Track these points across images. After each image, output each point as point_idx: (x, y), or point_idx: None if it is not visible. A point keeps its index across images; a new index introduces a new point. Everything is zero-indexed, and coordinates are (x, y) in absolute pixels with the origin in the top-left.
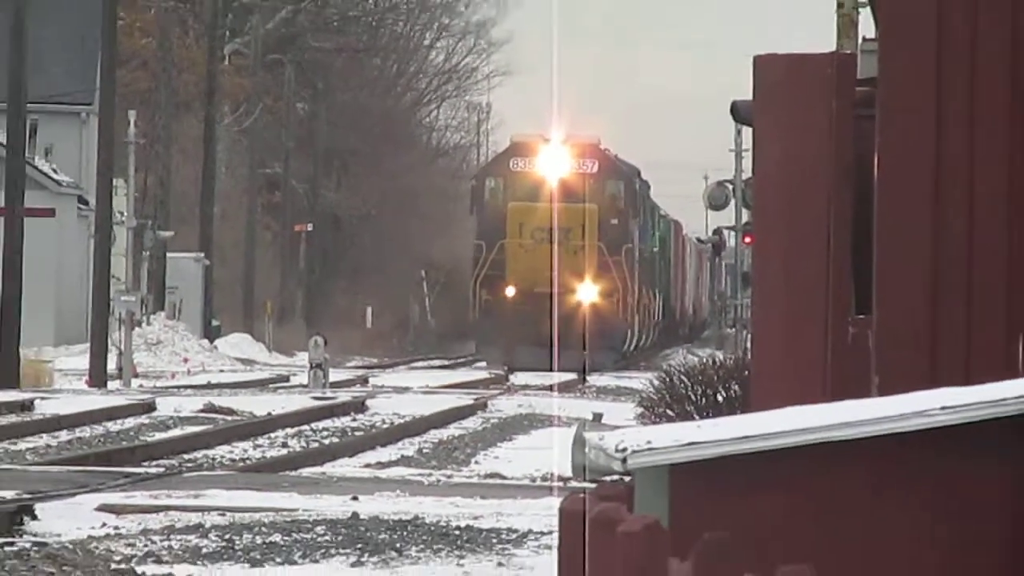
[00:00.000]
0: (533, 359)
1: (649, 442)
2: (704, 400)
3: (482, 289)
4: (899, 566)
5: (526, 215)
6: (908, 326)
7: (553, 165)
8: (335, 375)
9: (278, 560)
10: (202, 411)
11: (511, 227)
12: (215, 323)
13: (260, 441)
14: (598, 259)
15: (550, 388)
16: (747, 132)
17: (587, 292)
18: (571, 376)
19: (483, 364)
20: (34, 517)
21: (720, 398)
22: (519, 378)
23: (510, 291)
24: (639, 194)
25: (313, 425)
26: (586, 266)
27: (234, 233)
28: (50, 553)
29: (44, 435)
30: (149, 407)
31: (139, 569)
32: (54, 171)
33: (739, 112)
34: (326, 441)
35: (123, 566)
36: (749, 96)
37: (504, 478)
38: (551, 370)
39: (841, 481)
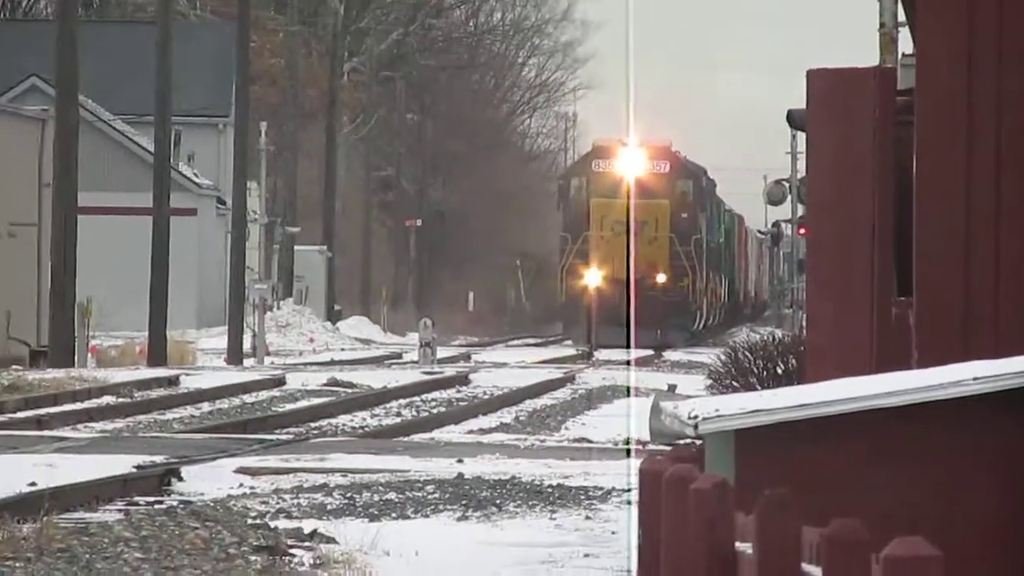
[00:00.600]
0: (614, 338)
1: (717, 410)
2: (765, 373)
3: (568, 276)
4: (941, 515)
5: (607, 210)
6: (944, 307)
7: (630, 165)
8: (442, 352)
9: (393, 515)
10: (326, 385)
11: (593, 221)
12: (337, 307)
13: (377, 411)
14: (670, 249)
15: (629, 363)
16: (801, 137)
17: (660, 278)
18: (648, 352)
19: (570, 342)
20: (180, 478)
21: (779, 371)
22: (602, 354)
23: (593, 277)
24: (706, 191)
25: (423, 396)
26: (659, 255)
27: (353, 228)
28: (194, 510)
29: (188, 407)
30: (280, 381)
31: (272, 523)
32: (195, 175)
33: (794, 119)
34: (434, 410)
35: (258, 521)
36: (803, 105)
37: (590, 442)
38: (629, 348)
39: (886, 442)
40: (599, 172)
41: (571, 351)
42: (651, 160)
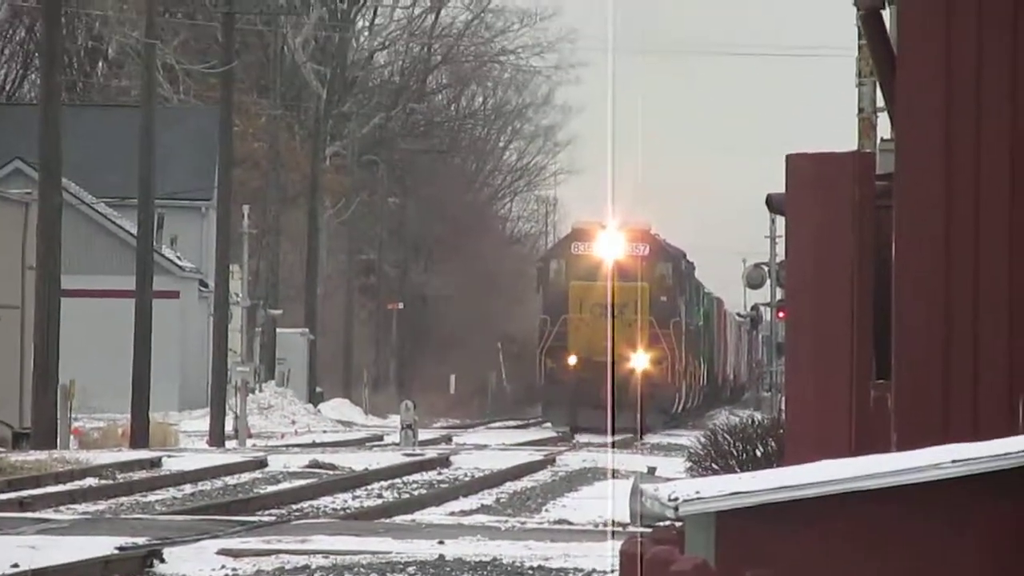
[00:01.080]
0: (593, 420)
1: (698, 492)
2: (745, 455)
3: (547, 358)
4: None
5: (586, 292)
6: (923, 390)
7: (609, 249)
8: (423, 435)
9: None
10: (308, 467)
11: (572, 303)
12: (319, 390)
13: (358, 493)
14: (649, 331)
15: (609, 445)
16: (780, 221)
17: (640, 360)
18: (628, 435)
19: (550, 425)
20: (162, 560)
21: (759, 453)
22: (582, 437)
23: (571, 360)
24: (685, 274)
25: (404, 478)
26: (639, 338)
27: (335, 311)
28: None
29: (171, 488)
30: (262, 463)
31: None
32: (178, 258)
33: (773, 203)
34: (416, 492)
35: None
36: (782, 189)
37: (571, 524)
38: (608, 431)
39: (866, 524)
40: (578, 255)
41: (552, 433)
42: (630, 243)
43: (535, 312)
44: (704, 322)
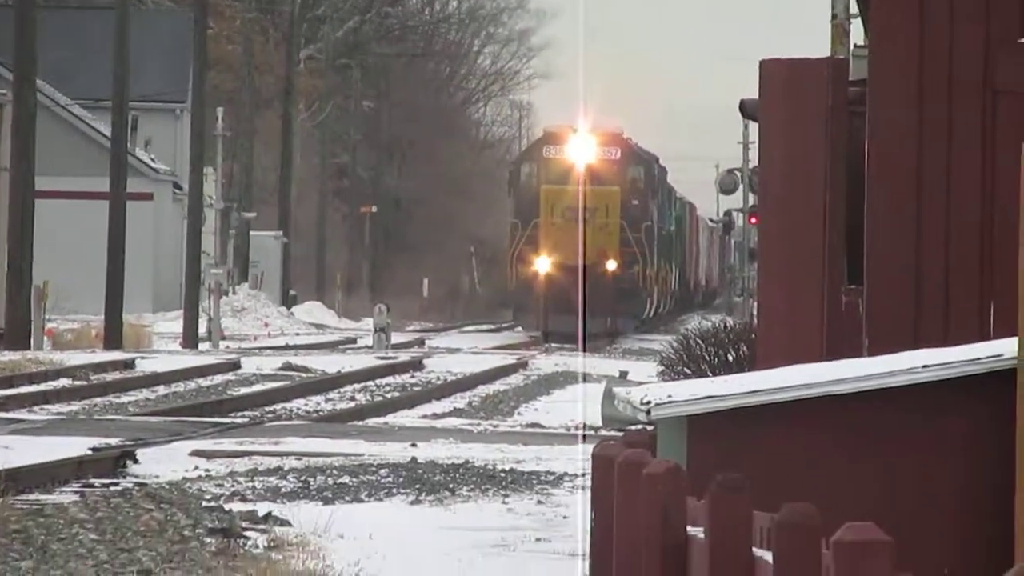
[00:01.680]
0: (564, 325)
1: (670, 396)
2: (717, 360)
3: (518, 263)
4: (892, 500)
5: (557, 196)
6: (894, 295)
7: (581, 152)
8: (396, 338)
9: (347, 498)
10: (281, 369)
11: (544, 207)
12: (292, 293)
13: (331, 395)
14: (620, 235)
15: (581, 349)
16: (753, 127)
17: (610, 265)
18: (605, 338)
19: (521, 329)
20: (135, 461)
21: (731, 358)
22: (554, 341)
23: (542, 264)
24: (657, 178)
25: (377, 381)
26: (610, 242)
27: (308, 214)
28: (149, 492)
29: (144, 390)
30: (235, 365)
31: (227, 506)
32: (152, 160)
33: (746, 109)
34: (388, 395)
35: (213, 503)
36: (755, 95)
37: (543, 427)
38: (580, 336)
39: (837, 429)
40: (550, 158)
41: (525, 337)
42: (602, 147)
43: (508, 216)
44: (676, 227)
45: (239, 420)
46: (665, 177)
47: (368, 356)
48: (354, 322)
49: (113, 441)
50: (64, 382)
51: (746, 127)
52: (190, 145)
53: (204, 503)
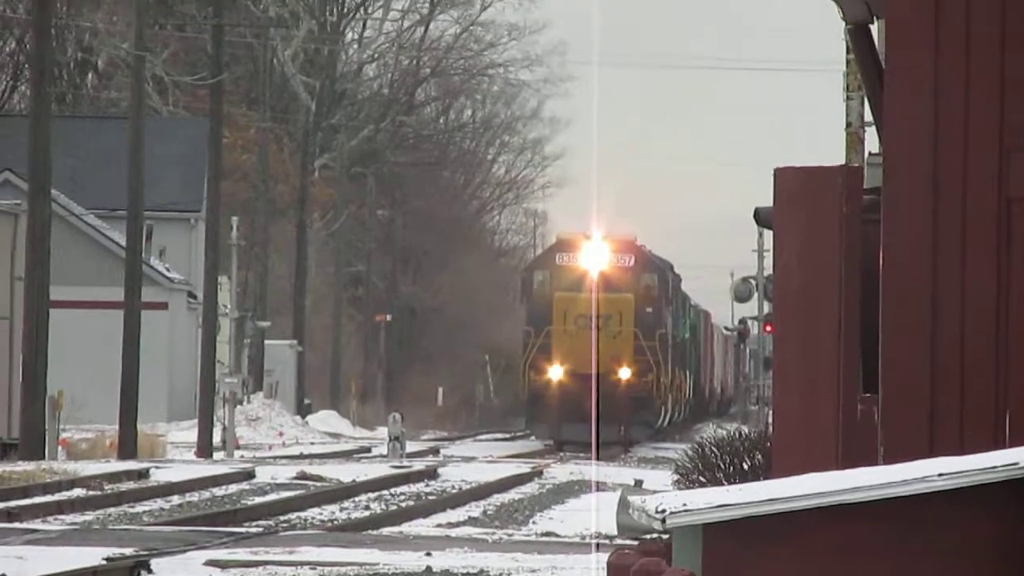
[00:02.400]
0: (577, 434)
1: (685, 504)
2: (732, 468)
3: (531, 370)
4: None
5: (570, 303)
6: (910, 404)
7: (594, 259)
8: (411, 447)
9: None
10: (295, 478)
11: (556, 314)
12: (307, 401)
13: (346, 504)
14: (634, 343)
15: (594, 457)
16: (767, 235)
17: (624, 373)
18: (615, 447)
19: (534, 438)
20: (150, 571)
21: (746, 466)
22: (569, 450)
23: (556, 372)
24: (671, 285)
25: (392, 490)
26: (624, 350)
27: (323, 323)
28: None
29: (159, 499)
30: (249, 475)
31: None
32: (167, 270)
33: (761, 217)
34: (403, 504)
35: None
36: (770, 203)
37: (558, 536)
38: (593, 444)
39: (852, 538)
40: (562, 265)
41: (539, 445)
42: (615, 253)
43: (520, 324)
44: (691, 334)
45: (253, 529)
46: (679, 284)
47: (383, 465)
48: (369, 431)
49: (127, 551)
50: (78, 492)
51: (760, 235)
52: (205, 254)
53: None
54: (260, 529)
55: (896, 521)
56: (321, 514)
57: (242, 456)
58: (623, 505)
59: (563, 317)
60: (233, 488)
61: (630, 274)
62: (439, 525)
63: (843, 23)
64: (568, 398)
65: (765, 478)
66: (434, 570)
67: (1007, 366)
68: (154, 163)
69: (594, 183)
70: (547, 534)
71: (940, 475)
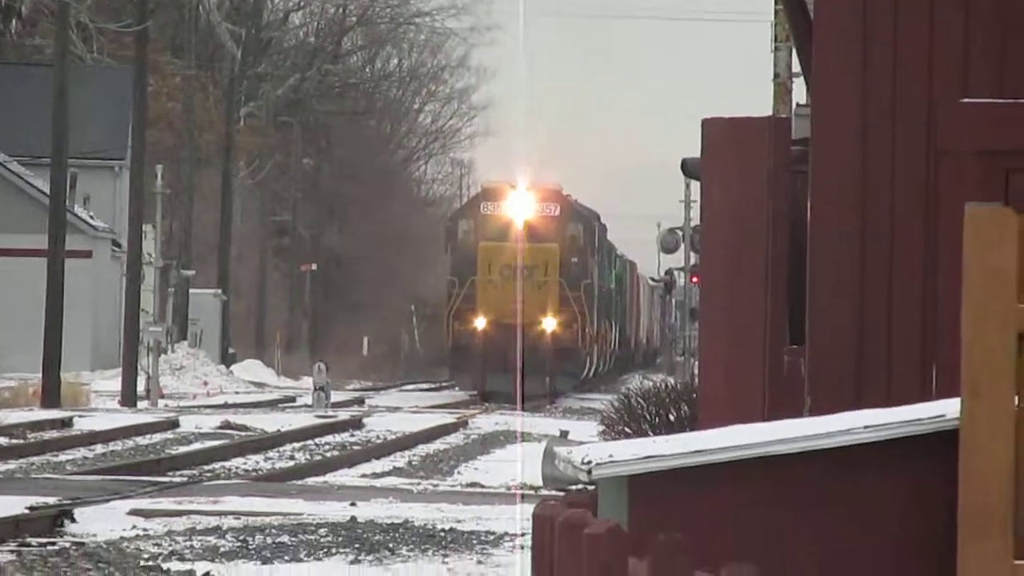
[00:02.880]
0: (502, 385)
1: (611, 455)
2: (658, 419)
3: (455, 321)
4: (832, 562)
5: (495, 253)
6: (836, 356)
7: (519, 208)
8: (336, 397)
9: (286, 558)
10: (219, 428)
11: (481, 264)
12: (231, 351)
13: (270, 454)
14: (560, 294)
15: (519, 409)
16: (695, 186)
17: (549, 323)
18: (538, 400)
19: (458, 388)
20: (73, 520)
21: (672, 418)
22: (494, 400)
23: (480, 322)
24: (597, 235)
25: (316, 440)
26: (548, 300)
27: (248, 272)
28: (87, 552)
29: (82, 448)
30: (173, 424)
31: (165, 566)
32: (91, 218)
33: (688, 168)
34: (328, 454)
35: (151, 563)
36: (697, 154)
37: (483, 487)
38: (517, 395)
39: (778, 489)
40: (487, 215)
41: (465, 396)
42: (541, 203)
43: (445, 274)
44: (616, 285)
45: (178, 479)
46: (605, 235)
47: (307, 415)
48: (294, 381)
49: (50, 500)
50: (1, 440)
51: (688, 186)
52: (129, 203)
53: (142, 562)
54: (184, 479)
55: (821, 473)
56: (245, 464)
57: (166, 405)
58: (548, 456)
59: (487, 267)
60: (157, 437)
61: (555, 224)
62: (364, 475)
63: None
64: (492, 349)
65: (691, 429)
66: (359, 520)
67: (934, 320)
68: (78, 111)
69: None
70: (472, 485)
71: (865, 427)
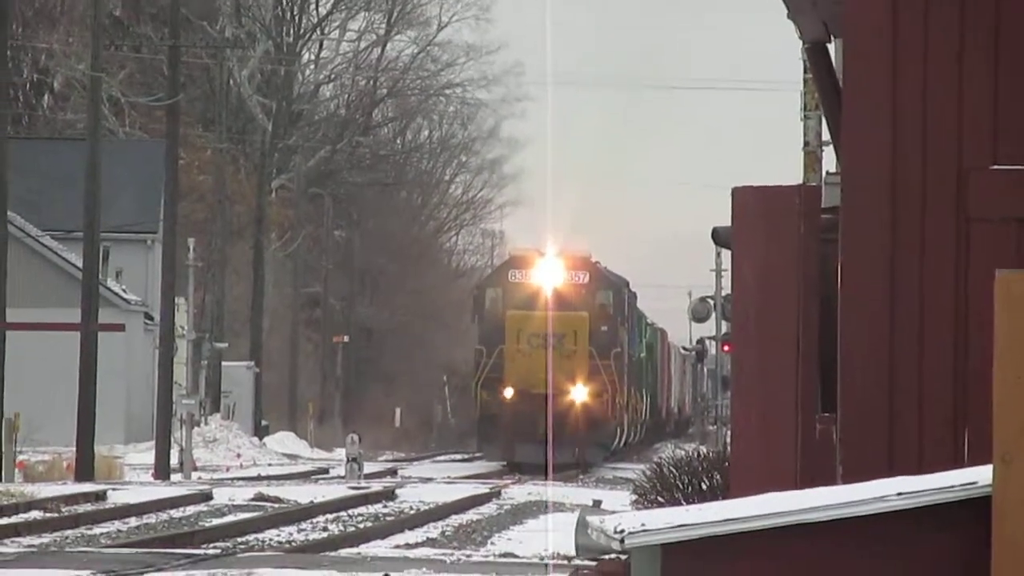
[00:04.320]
0: (530, 455)
1: (643, 524)
2: (690, 488)
3: (483, 391)
4: None
5: (523, 322)
6: (868, 423)
7: (548, 276)
8: (368, 468)
9: None
10: (253, 500)
11: (509, 333)
12: (264, 423)
13: (304, 525)
14: (589, 363)
15: (548, 480)
16: (725, 254)
17: (579, 393)
18: (571, 468)
19: (486, 459)
20: None
21: (704, 486)
22: (527, 470)
23: (508, 392)
24: (627, 303)
25: (350, 511)
26: (578, 369)
27: (280, 344)
28: None
29: (116, 521)
30: (207, 496)
31: None
32: (124, 291)
33: (719, 236)
34: (361, 525)
35: None
36: (728, 223)
37: (516, 556)
38: (546, 466)
39: (810, 557)
40: (515, 283)
41: (497, 466)
42: (569, 270)
43: (472, 343)
44: (647, 353)
45: (211, 551)
46: (635, 302)
47: (340, 486)
48: (326, 452)
49: (85, 573)
50: (35, 514)
51: (718, 255)
52: (161, 275)
53: None
54: (218, 551)
55: (855, 541)
56: (279, 536)
57: (199, 478)
58: (582, 525)
59: (516, 336)
60: (191, 510)
61: (584, 291)
62: (397, 546)
63: (801, 42)
64: (521, 419)
65: (724, 498)
66: None
67: (965, 385)
68: (110, 184)
69: (548, 199)
70: (505, 555)
71: (899, 495)
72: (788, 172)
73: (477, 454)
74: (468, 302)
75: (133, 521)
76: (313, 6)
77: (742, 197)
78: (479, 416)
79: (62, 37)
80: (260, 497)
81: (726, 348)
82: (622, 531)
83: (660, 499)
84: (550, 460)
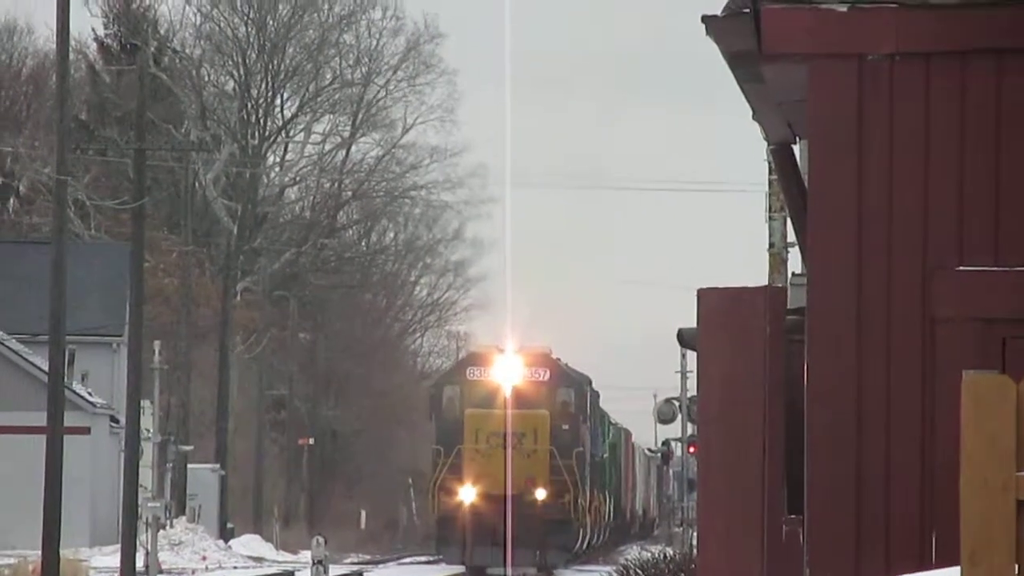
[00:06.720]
0: (490, 558)
1: None
2: None
3: (440, 492)
4: None
5: (482, 421)
6: (835, 525)
7: (507, 373)
8: (334, 570)
9: None
10: None
11: (468, 432)
12: (229, 525)
13: None
14: (550, 462)
15: None
16: (691, 356)
17: (540, 494)
18: (531, 572)
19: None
20: None
21: None
22: (488, 574)
23: (467, 493)
24: (589, 401)
25: None
26: (539, 469)
27: (246, 446)
28: None
29: None
30: None
31: None
32: (89, 394)
33: (684, 338)
34: None
35: None
36: (693, 324)
37: None
38: (505, 570)
39: None
40: (474, 380)
41: (461, 568)
42: (529, 367)
43: (430, 443)
44: (610, 454)
45: None
46: (598, 401)
47: None
48: (292, 555)
49: None
50: None
51: (684, 356)
52: (127, 378)
53: None
54: None
55: None
56: None
57: None
58: None
59: (474, 435)
60: None
61: (545, 388)
62: None
63: (766, 143)
64: (480, 521)
65: None
66: None
67: (932, 487)
68: (76, 287)
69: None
70: None
71: None
72: (754, 273)
73: (442, 556)
74: (425, 400)
75: None
76: (278, 109)
77: (708, 298)
78: (437, 518)
79: (27, 140)
80: None
81: (692, 450)
82: None
83: None
84: (509, 564)
